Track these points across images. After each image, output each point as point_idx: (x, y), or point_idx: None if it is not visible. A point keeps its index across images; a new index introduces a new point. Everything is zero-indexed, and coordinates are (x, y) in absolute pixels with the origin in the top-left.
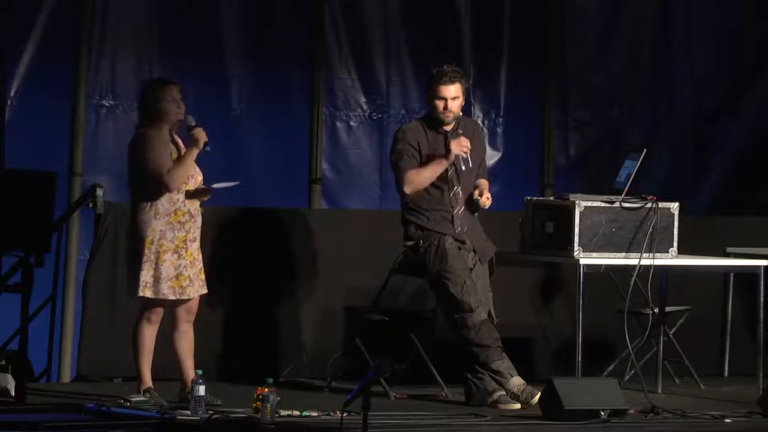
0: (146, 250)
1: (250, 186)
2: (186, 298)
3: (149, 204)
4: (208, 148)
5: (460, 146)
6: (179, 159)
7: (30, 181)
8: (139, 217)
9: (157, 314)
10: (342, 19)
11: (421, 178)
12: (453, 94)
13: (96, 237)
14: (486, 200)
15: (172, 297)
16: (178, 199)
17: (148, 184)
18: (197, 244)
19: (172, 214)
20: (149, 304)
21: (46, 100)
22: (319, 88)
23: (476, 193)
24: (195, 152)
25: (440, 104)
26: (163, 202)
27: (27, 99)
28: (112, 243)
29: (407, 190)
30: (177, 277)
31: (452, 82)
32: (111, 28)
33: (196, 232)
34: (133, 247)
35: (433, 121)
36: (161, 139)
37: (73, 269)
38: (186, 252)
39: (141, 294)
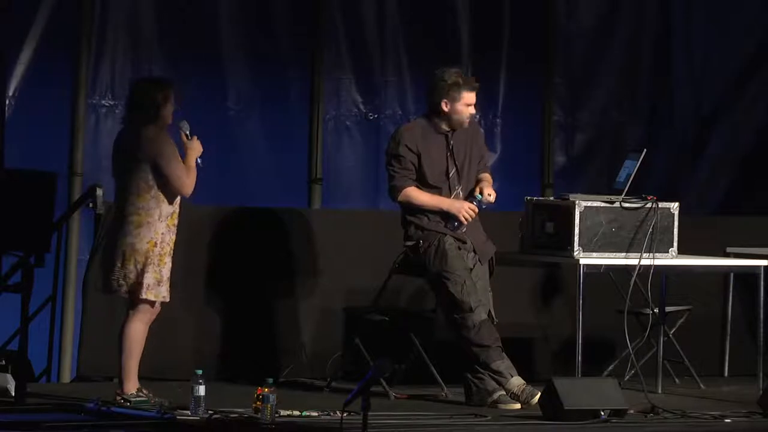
0: (150, 253)
1: (249, 186)
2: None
3: (156, 206)
4: (199, 160)
5: (465, 212)
6: (188, 167)
7: (30, 181)
8: (144, 219)
9: (154, 316)
10: (340, 19)
11: (417, 201)
12: (475, 99)
13: (96, 237)
14: (488, 196)
15: (168, 299)
16: (175, 203)
17: (161, 187)
18: None
19: (169, 217)
20: (150, 306)
21: (46, 100)
22: (319, 88)
23: (477, 190)
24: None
25: (466, 111)
26: (168, 206)
27: (27, 99)
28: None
29: (398, 200)
30: (168, 279)
31: (477, 88)
32: (111, 28)
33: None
34: (130, 247)
35: (437, 121)
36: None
37: (73, 269)
38: (173, 255)
39: (144, 297)
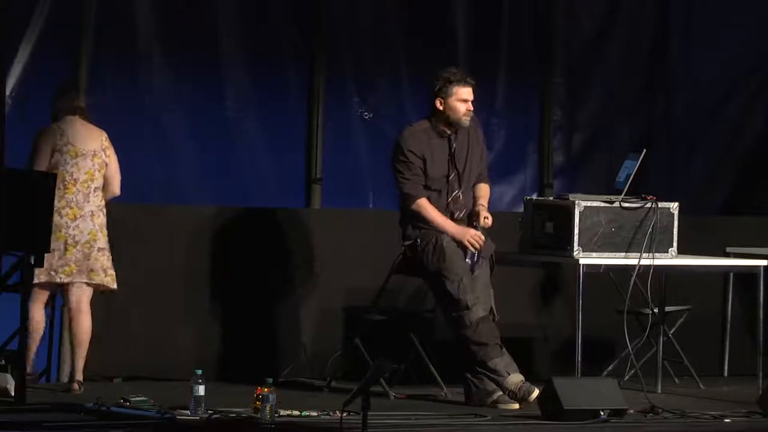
0: None
1: (248, 186)
2: None
3: None
4: None
5: (473, 241)
6: None
7: (30, 181)
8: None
9: None
10: (339, 19)
11: (427, 216)
12: (471, 96)
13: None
14: (485, 220)
15: None
16: None
17: None
18: None
19: None
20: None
21: (46, 99)
22: (318, 88)
23: (474, 218)
24: None
25: (462, 107)
26: None
27: (26, 98)
28: (112, 242)
29: (411, 208)
30: None
31: (471, 84)
32: (110, 28)
33: None
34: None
35: (438, 123)
36: None
37: None
38: None
39: (113, 286)
